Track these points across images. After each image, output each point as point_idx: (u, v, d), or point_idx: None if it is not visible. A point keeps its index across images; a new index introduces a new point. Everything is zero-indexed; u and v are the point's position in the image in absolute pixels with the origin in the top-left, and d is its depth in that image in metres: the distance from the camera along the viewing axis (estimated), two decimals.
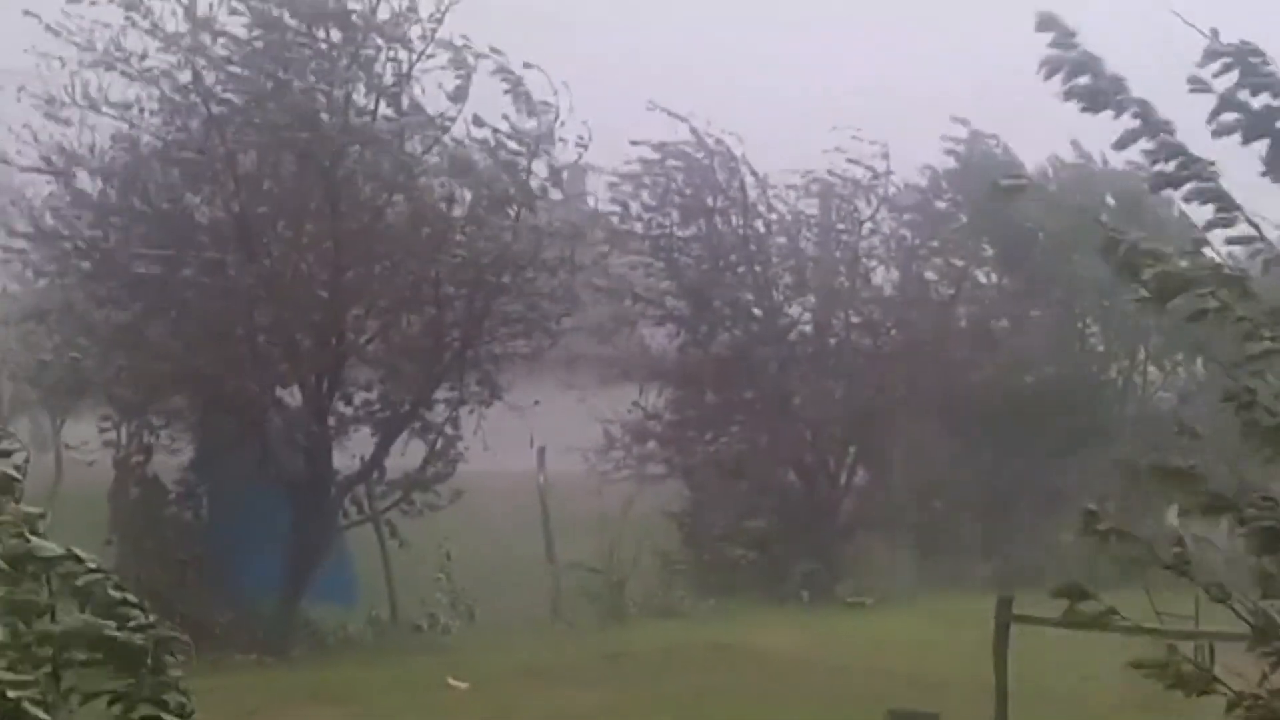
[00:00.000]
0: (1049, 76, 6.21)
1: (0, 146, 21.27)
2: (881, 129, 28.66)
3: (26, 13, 19.63)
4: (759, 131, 28.97)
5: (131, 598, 7.44)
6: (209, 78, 20.60)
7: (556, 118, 21.29)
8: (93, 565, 7.40)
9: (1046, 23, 6.15)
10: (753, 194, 28.45)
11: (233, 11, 20.50)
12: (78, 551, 7.40)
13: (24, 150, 21.14)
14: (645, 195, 28.40)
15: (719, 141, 28.02)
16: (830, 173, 28.58)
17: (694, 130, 27.83)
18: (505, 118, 21.34)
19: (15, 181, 22.51)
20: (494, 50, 20.98)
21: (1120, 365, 30.55)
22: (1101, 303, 29.70)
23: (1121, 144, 6.24)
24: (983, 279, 31.09)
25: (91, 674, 7.40)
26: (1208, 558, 6.47)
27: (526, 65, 21.23)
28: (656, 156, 28.07)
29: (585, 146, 22.21)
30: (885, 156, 28.73)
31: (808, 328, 29.46)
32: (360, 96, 21.00)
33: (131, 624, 7.52)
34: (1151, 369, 30.62)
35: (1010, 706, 13.81)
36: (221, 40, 20.52)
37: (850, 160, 28.45)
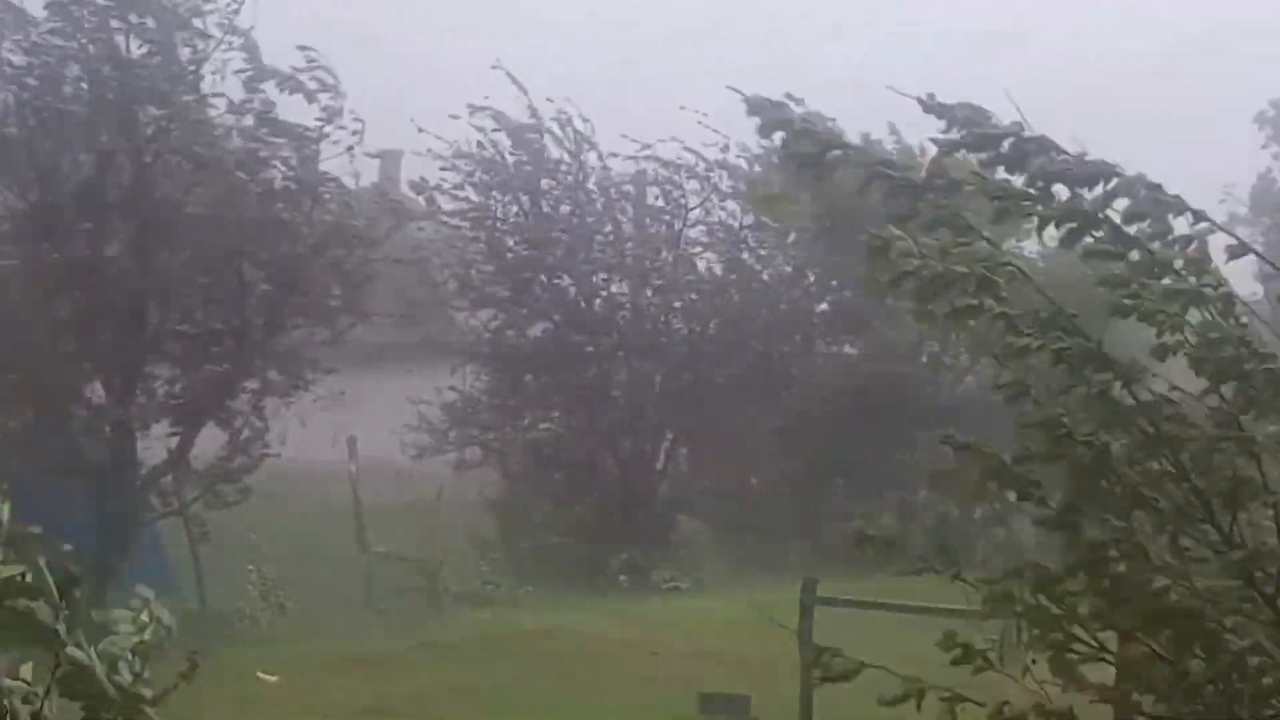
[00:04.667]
0: None
1: None
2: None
3: None
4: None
5: None
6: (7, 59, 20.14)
7: (336, 99, 21.06)
8: None
9: None
10: (590, 176, 28.46)
11: None
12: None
13: None
14: (476, 174, 28.20)
15: (564, 118, 27.99)
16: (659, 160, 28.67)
17: (532, 106, 27.77)
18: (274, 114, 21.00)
19: None
20: (305, 57, 20.76)
21: (931, 351, 30.53)
22: None
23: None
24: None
25: None
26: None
27: (304, 49, 21.00)
28: (490, 130, 27.91)
29: (360, 134, 21.89)
30: (725, 149, 28.88)
31: (627, 312, 29.43)
32: (160, 81, 20.55)
33: None
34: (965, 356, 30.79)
35: (817, 686, 13.83)
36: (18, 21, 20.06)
37: (687, 149, 28.56)
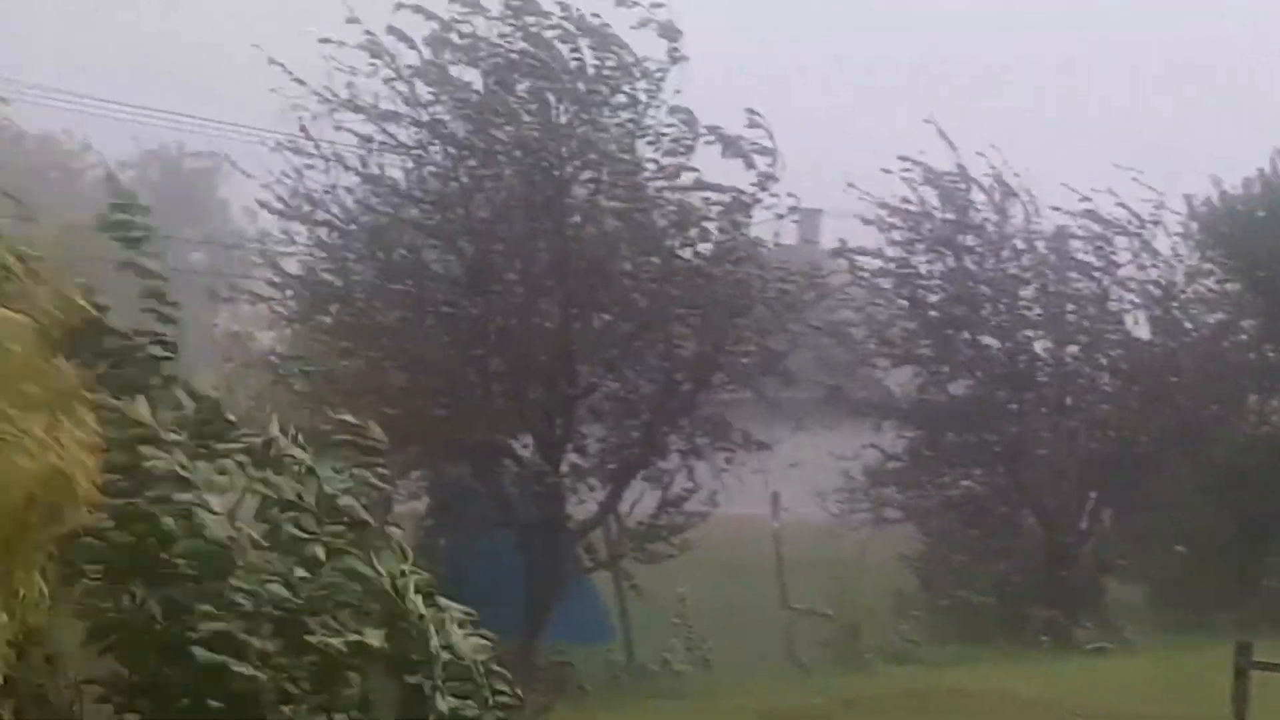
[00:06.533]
0: None
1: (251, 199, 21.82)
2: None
3: (271, 61, 20.08)
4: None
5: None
6: (448, 125, 20.90)
7: (774, 165, 21.30)
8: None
9: None
10: (1015, 228, 28.16)
11: (466, 63, 20.80)
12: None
13: (271, 199, 21.66)
14: (894, 232, 27.94)
15: (995, 173, 27.79)
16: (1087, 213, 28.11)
17: (960, 163, 27.54)
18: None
19: (262, 226, 22.76)
20: (712, 129, 21.17)
21: None
22: None
23: None
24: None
25: None
26: None
27: (751, 113, 21.27)
28: (916, 187, 27.74)
29: (795, 207, 22.23)
30: (1159, 206, 28.29)
31: (1051, 369, 28.95)
32: (591, 146, 21.05)
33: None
34: None
35: None
36: (457, 92, 20.83)
37: (1119, 204, 28.00)
